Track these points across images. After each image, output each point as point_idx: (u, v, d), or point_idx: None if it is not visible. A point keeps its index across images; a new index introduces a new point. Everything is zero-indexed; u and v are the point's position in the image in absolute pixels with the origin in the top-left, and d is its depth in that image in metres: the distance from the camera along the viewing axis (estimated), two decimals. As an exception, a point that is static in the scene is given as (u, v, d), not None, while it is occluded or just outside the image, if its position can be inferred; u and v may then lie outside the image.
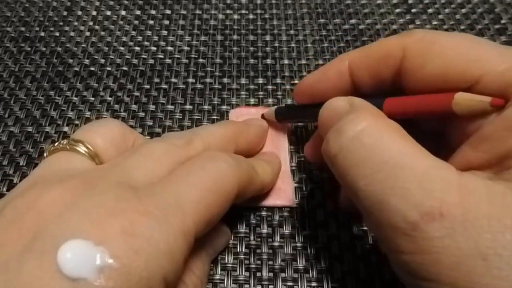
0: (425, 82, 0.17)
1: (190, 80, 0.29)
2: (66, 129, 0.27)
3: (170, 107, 0.28)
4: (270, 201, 0.23)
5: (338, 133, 0.16)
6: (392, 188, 0.14)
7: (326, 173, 0.25)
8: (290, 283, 0.21)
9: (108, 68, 0.30)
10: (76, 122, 0.27)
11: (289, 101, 0.28)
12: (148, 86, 0.29)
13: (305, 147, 0.23)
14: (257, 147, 0.24)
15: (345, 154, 0.15)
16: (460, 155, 0.16)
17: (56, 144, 0.19)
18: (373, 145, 0.15)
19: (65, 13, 0.34)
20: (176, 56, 0.31)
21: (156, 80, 0.29)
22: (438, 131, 0.18)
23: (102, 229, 0.14)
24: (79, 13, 0.34)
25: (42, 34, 0.33)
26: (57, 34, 0.33)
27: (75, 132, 0.19)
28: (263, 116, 0.26)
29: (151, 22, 0.33)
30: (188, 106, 0.28)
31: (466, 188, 0.13)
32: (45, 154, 0.19)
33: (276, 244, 0.22)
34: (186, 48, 0.31)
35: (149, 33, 0.32)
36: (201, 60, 0.31)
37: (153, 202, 0.15)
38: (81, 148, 0.18)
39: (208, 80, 0.29)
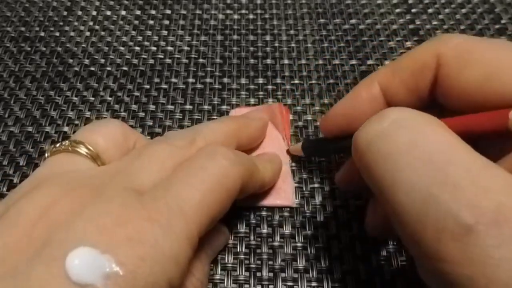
0: (462, 92, 0.15)
1: (190, 80, 0.29)
2: (66, 129, 0.27)
3: (170, 107, 0.28)
4: (270, 201, 0.23)
5: (376, 119, 0.14)
6: (442, 183, 0.12)
7: (326, 173, 0.25)
8: (290, 283, 0.21)
9: (108, 68, 0.30)
10: (76, 122, 0.27)
11: (289, 101, 0.28)
12: (148, 86, 0.29)
13: (336, 175, 0.22)
14: (257, 141, 0.24)
15: (385, 139, 0.13)
16: (510, 161, 0.14)
17: (57, 145, 0.19)
18: (420, 132, 0.13)
19: (65, 13, 0.34)
20: (176, 56, 0.31)
21: (156, 80, 0.29)
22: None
23: (109, 237, 0.14)
24: (79, 13, 0.34)
25: (42, 34, 0.33)
26: (57, 34, 0.33)
27: (76, 133, 0.19)
28: (288, 152, 0.25)
29: (151, 22, 0.33)
30: (188, 106, 0.28)
31: None
32: (46, 155, 0.19)
33: (276, 244, 0.22)
34: (186, 48, 0.31)
35: (149, 33, 0.32)
36: (201, 60, 0.31)
37: (156, 208, 0.15)
38: (82, 150, 0.18)
39: (208, 80, 0.29)
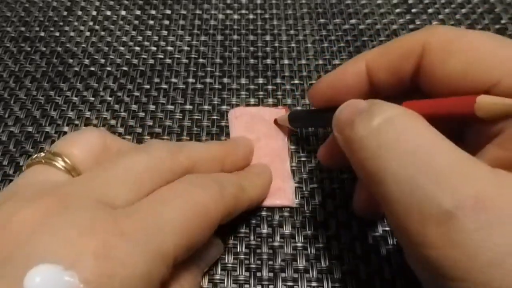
0: (444, 79, 0.16)
1: (190, 80, 0.29)
2: (66, 129, 0.27)
3: (170, 107, 0.28)
4: (270, 201, 0.23)
5: (366, 116, 0.15)
6: (426, 172, 0.13)
7: (326, 173, 0.25)
8: (290, 283, 0.21)
9: (108, 68, 0.30)
10: (76, 122, 0.27)
11: (289, 101, 0.28)
12: (148, 86, 0.29)
13: (318, 150, 0.22)
14: (243, 167, 0.23)
15: (375, 135, 0.15)
16: (487, 154, 0.15)
17: (34, 156, 0.18)
18: (406, 129, 0.14)
19: (65, 13, 0.34)
20: (176, 56, 0.31)
21: (156, 80, 0.29)
22: (449, 131, 0.17)
23: (73, 250, 0.13)
24: (79, 13, 0.34)
25: (42, 34, 0.33)
26: (57, 34, 0.33)
27: (54, 144, 0.19)
28: (275, 122, 0.26)
29: (151, 22, 0.33)
30: (188, 106, 0.28)
31: (503, 182, 0.12)
32: (23, 168, 0.18)
33: (276, 244, 0.22)
34: (186, 48, 0.31)
35: (149, 33, 0.32)
36: (201, 60, 0.31)
37: (130, 223, 0.14)
38: (59, 163, 0.17)
39: (208, 80, 0.29)
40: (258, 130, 0.26)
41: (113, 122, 0.27)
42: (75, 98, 0.28)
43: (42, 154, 0.18)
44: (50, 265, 0.13)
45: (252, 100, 0.28)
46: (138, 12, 0.34)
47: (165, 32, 0.32)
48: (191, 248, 0.16)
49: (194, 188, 0.17)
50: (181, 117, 0.27)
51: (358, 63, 0.19)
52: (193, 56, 0.31)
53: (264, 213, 0.23)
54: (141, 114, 0.28)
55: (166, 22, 0.33)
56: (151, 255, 0.14)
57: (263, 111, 0.27)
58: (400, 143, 0.14)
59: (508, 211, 0.12)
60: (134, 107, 0.28)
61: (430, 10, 0.34)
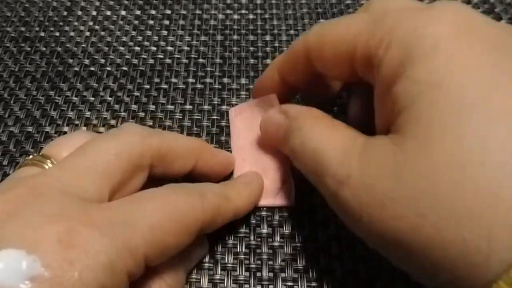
0: (325, 62, 0.20)
1: (190, 80, 0.29)
2: (66, 129, 0.27)
3: (170, 107, 0.28)
4: (270, 201, 0.23)
5: (289, 136, 0.20)
6: (317, 164, 0.18)
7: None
8: (290, 283, 0.21)
9: (108, 68, 0.30)
10: (76, 122, 0.27)
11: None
12: (148, 86, 0.29)
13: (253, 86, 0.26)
14: (218, 175, 0.23)
15: (296, 149, 0.19)
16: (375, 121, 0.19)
17: (24, 159, 0.19)
18: (306, 131, 0.19)
19: (65, 13, 0.34)
20: (176, 56, 0.31)
21: (156, 80, 0.29)
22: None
23: (38, 236, 0.13)
24: (79, 13, 0.34)
25: (42, 34, 0.33)
26: (57, 34, 0.33)
27: (45, 147, 0.19)
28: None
29: (151, 22, 0.33)
30: (188, 106, 0.28)
31: (365, 154, 0.16)
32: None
33: (276, 244, 0.22)
34: (186, 48, 0.31)
35: (149, 33, 0.33)
36: (201, 60, 0.31)
37: (100, 215, 0.15)
38: (48, 165, 0.18)
39: (208, 80, 0.29)
40: (259, 127, 0.26)
41: (113, 122, 0.27)
42: (75, 98, 0.28)
43: (31, 156, 0.18)
44: (12, 250, 0.13)
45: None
46: (138, 12, 0.34)
47: (165, 32, 0.32)
48: (165, 251, 0.16)
49: (173, 193, 0.17)
50: (181, 117, 0.28)
51: (272, 70, 0.24)
52: (193, 56, 0.31)
53: (264, 213, 0.23)
54: (141, 114, 0.28)
55: (166, 22, 0.33)
56: (117, 247, 0.14)
57: (262, 103, 0.27)
58: (302, 148, 0.19)
59: (367, 179, 0.15)
60: (134, 107, 0.28)
61: (430, 10, 0.34)
